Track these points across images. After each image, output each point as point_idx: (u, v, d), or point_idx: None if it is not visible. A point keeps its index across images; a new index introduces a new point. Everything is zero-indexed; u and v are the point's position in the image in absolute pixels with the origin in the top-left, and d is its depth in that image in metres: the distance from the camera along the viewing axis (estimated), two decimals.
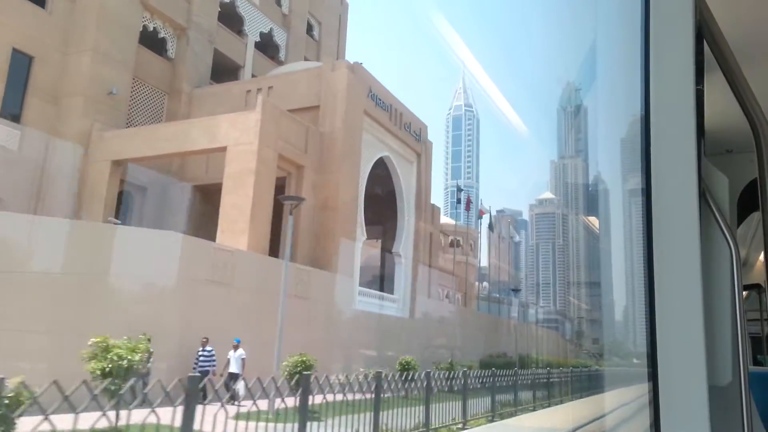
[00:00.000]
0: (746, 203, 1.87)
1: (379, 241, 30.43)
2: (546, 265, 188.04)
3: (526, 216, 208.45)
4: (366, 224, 25.82)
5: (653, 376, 1.30)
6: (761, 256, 2.30)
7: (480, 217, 64.49)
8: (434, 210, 35.35)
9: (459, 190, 68.27)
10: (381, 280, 29.28)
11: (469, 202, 57.24)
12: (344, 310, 23.04)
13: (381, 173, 28.56)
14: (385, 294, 27.49)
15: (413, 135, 30.52)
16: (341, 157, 24.44)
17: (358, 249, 25.12)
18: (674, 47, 1.36)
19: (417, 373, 14.48)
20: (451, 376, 16.02)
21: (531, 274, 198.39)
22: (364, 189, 26.15)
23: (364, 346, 23.46)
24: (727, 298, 1.46)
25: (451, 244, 47.27)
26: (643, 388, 1.36)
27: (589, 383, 25.09)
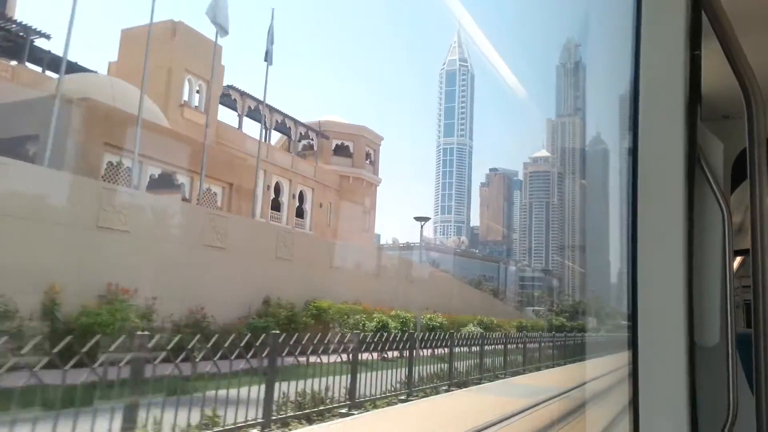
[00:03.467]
0: (743, 169, 1.77)
1: None
2: (539, 225, 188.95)
3: (521, 176, 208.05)
4: None
5: (633, 337, 1.32)
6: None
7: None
8: None
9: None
10: None
11: None
12: None
13: None
14: None
15: None
16: None
17: None
18: (667, 10, 1.39)
19: None
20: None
21: (523, 233, 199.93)
22: None
23: None
24: (717, 262, 1.50)
25: (337, 150, 39.40)
26: (625, 351, 1.36)
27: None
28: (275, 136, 36.64)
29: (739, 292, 2.67)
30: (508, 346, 19.14)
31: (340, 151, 38.18)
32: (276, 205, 32.17)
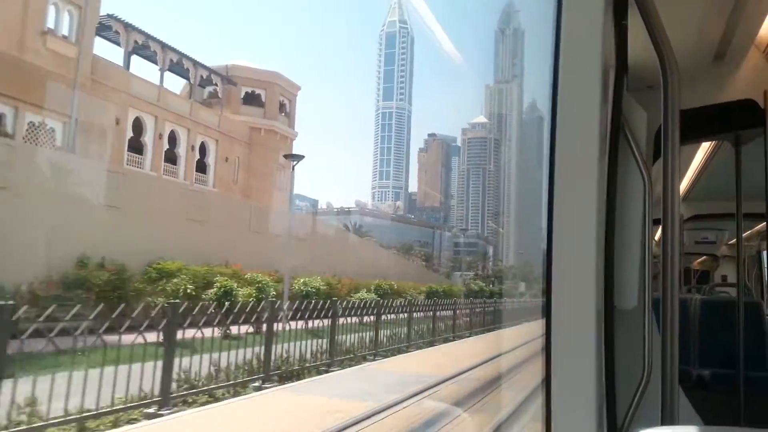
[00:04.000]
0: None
1: None
2: (476, 191, 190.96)
3: (459, 142, 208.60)
4: None
5: (547, 303, 1.33)
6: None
7: None
8: None
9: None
10: None
11: None
12: None
13: None
14: None
15: None
16: None
17: None
18: None
19: None
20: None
21: (461, 199, 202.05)
22: None
23: None
24: (637, 230, 1.57)
25: (247, 99, 35.08)
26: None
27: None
28: (178, 83, 32.41)
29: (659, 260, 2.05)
30: (415, 314, 16.65)
31: (251, 100, 34.06)
32: (171, 158, 28.32)
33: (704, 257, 9.40)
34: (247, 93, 34.03)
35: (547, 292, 1.33)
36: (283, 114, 35.22)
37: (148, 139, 26.48)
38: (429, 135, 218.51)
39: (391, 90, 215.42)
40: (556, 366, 1.31)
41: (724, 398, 3.24)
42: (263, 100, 34.04)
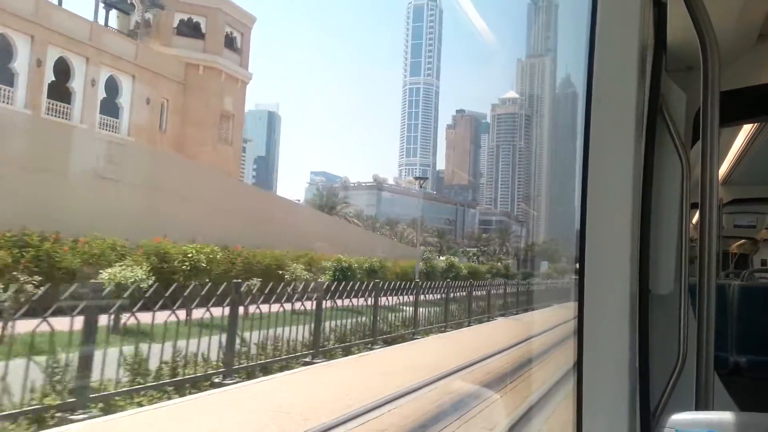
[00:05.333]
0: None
1: None
2: (506, 168, 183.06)
3: (489, 119, 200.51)
4: None
5: (580, 287, 1.31)
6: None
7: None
8: None
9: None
10: None
11: None
12: None
13: None
14: None
15: None
16: None
17: None
18: None
19: None
20: None
21: (490, 176, 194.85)
22: None
23: None
24: (675, 214, 1.56)
25: (182, 29, 28.19)
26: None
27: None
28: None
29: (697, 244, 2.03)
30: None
31: (188, 30, 27.24)
32: (62, 94, 21.83)
33: (743, 240, 9.09)
34: (182, 21, 27.15)
35: (580, 275, 1.30)
36: (231, 49, 28.27)
37: (20, 65, 19.99)
38: (457, 111, 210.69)
39: (418, 65, 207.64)
40: (588, 349, 1.30)
41: (762, 385, 3.39)
42: (203, 30, 27.14)
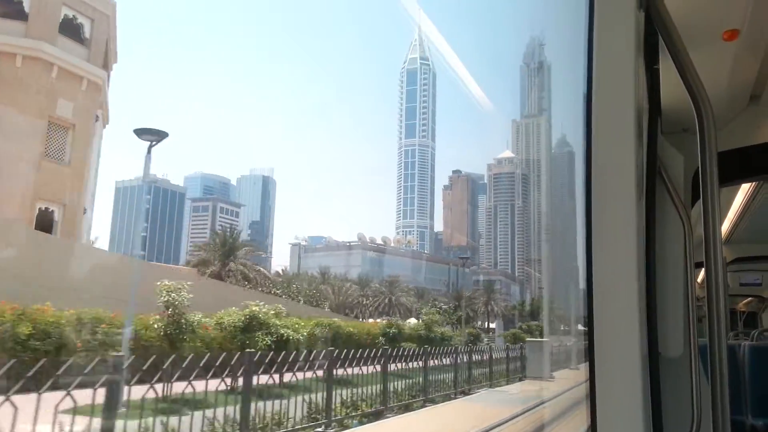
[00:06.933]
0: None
1: None
2: (504, 228, 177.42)
3: (486, 179, 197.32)
4: None
5: (590, 349, 1.31)
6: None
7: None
8: None
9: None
10: None
11: None
12: None
13: None
14: None
15: None
16: None
17: None
18: (617, 24, 1.39)
19: None
20: None
21: (489, 236, 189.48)
22: None
23: None
24: (679, 274, 1.59)
25: None
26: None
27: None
28: None
29: (703, 303, 2.04)
30: None
31: (5, 6, 20.94)
32: None
33: (750, 299, 9.01)
34: None
35: (590, 338, 1.31)
36: (72, 38, 21.88)
37: None
38: (454, 171, 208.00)
39: (413, 127, 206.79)
40: (601, 415, 1.29)
41: None
42: (25, 9, 20.89)
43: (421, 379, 15.31)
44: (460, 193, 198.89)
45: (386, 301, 58.44)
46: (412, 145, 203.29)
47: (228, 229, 42.09)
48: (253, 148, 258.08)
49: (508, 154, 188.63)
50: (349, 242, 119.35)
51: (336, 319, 23.32)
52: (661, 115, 1.69)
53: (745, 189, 3.93)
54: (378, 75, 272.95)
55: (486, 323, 64.80)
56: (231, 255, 35.91)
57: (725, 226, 4.65)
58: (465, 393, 17.27)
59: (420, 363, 15.69)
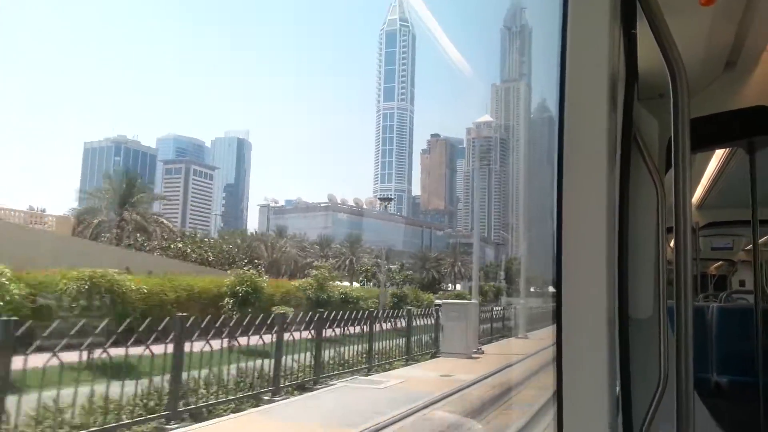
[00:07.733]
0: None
1: None
2: (482, 192, 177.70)
3: (465, 143, 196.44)
4: None
5: (558, 312, 1.32)
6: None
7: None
8: None
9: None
10: None
11: None
12: None
13: None
14: None
15: None
16: None
17: None
18: None
19: None
20: None
21: (467, 201, 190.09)
22: None
23: None
24: (651, 238, 1.64)
25: None
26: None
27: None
28: None
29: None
30: None
31: None
32: None
33: (720, 262, 9.25)
34: None
35: (558, 300, 1.33)
36: None
37: None
38: (432, 135, 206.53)
39: (392, 90, 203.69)
40: (567, 376, 1.31)
41: (744, 406, 3.43)
42: None
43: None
44: (439, 156, 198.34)
45: (347, 262, 58.22)
46: (390, 109, 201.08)
47: (124, 173, 37.99)
48: (228, 110, 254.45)
49: (487, 118, 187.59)
50: (319, 203, 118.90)
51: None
52: (638, 80, 1.72)
53: (719, 155, 4.01)
54: (357, 36, 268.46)
55: (453, 285, 65.36)
56: (126, 203, 33.25)
57: (699, 192, 4.76)
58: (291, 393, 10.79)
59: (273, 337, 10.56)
